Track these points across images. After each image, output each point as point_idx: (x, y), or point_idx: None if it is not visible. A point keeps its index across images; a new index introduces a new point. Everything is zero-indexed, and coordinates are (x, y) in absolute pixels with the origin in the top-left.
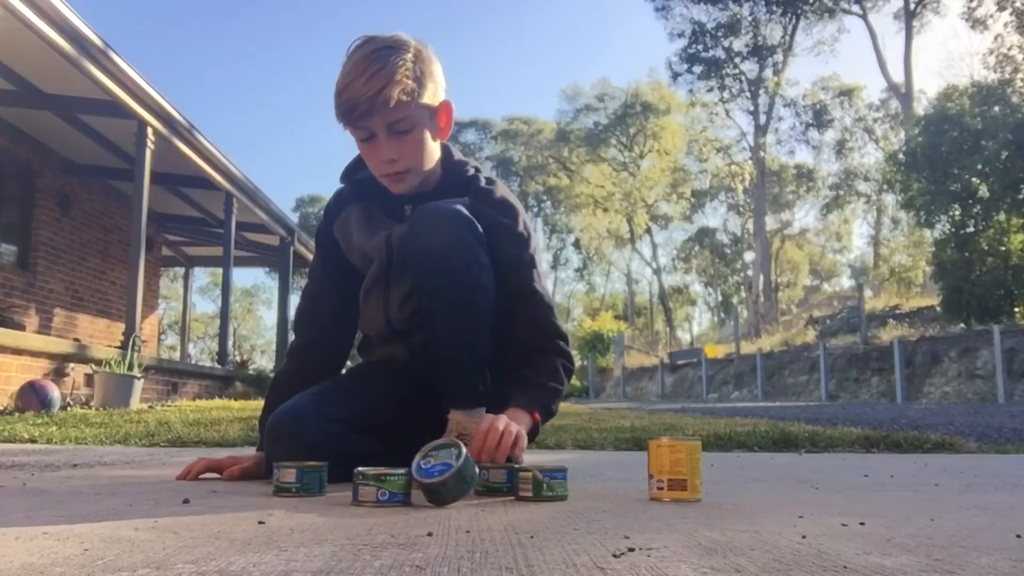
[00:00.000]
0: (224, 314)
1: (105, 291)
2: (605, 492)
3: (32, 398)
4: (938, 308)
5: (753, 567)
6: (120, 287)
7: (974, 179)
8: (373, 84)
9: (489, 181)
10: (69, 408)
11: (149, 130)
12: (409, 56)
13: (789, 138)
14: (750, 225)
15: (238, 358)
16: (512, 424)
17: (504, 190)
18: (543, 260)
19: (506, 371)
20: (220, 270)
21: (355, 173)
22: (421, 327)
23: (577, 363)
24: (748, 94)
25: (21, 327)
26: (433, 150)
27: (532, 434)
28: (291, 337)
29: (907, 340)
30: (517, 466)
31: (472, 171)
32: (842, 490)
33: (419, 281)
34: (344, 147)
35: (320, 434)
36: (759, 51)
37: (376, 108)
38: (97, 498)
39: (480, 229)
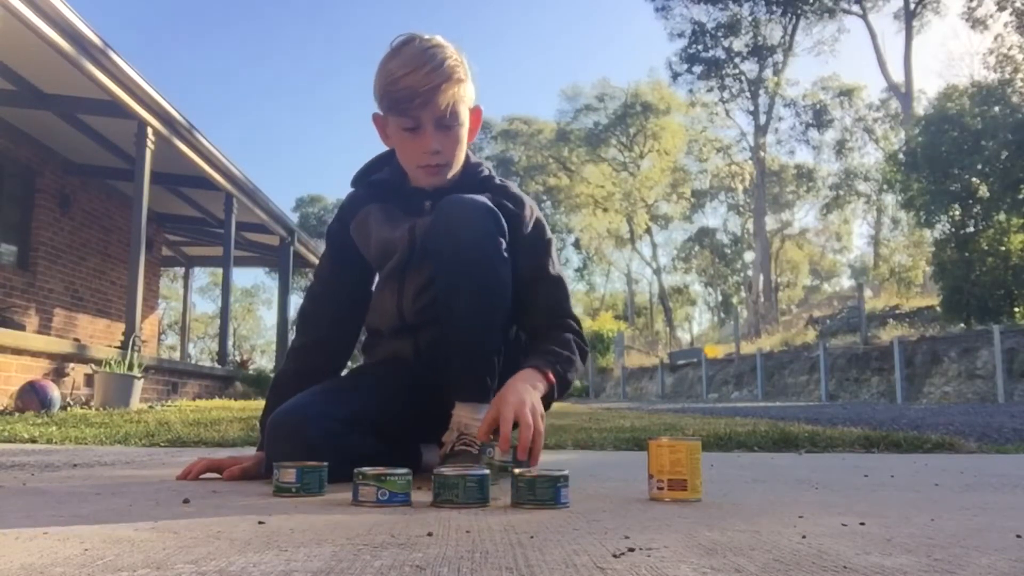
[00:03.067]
0: (224, 314)
1: (105, 291)
2: (605, 492)
3: (32, 398)
4: (938, 308)
5: (753, 567)
6: (120, 287)
7: (974, 179)
8: (434, 77)
9: (502, 181)
10: (69, 408)
11: (149, 130)
12: (458, 58)
13: (789, 138)
14: (750, 225)
15: (238, 358)
16: (535, 412)
17: (516, 188)
18: (556, 252)
19: (513, 368)
20: (220, 270)
21: (369, 176)
22: (431, 322)
23: None
24: (748, 94)
25: (21, 327)
26: (464, 149)
27: (548, 400)
28: (292, 337)
29: (907, 340)
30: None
31: (487, 172)
32: (842, 490)
33: (441, 272)
34: (346, 147)
35: (321, 433)
36: (759, 51)
37: (435, 100)
38: (97, 498)
39: (504, 222)
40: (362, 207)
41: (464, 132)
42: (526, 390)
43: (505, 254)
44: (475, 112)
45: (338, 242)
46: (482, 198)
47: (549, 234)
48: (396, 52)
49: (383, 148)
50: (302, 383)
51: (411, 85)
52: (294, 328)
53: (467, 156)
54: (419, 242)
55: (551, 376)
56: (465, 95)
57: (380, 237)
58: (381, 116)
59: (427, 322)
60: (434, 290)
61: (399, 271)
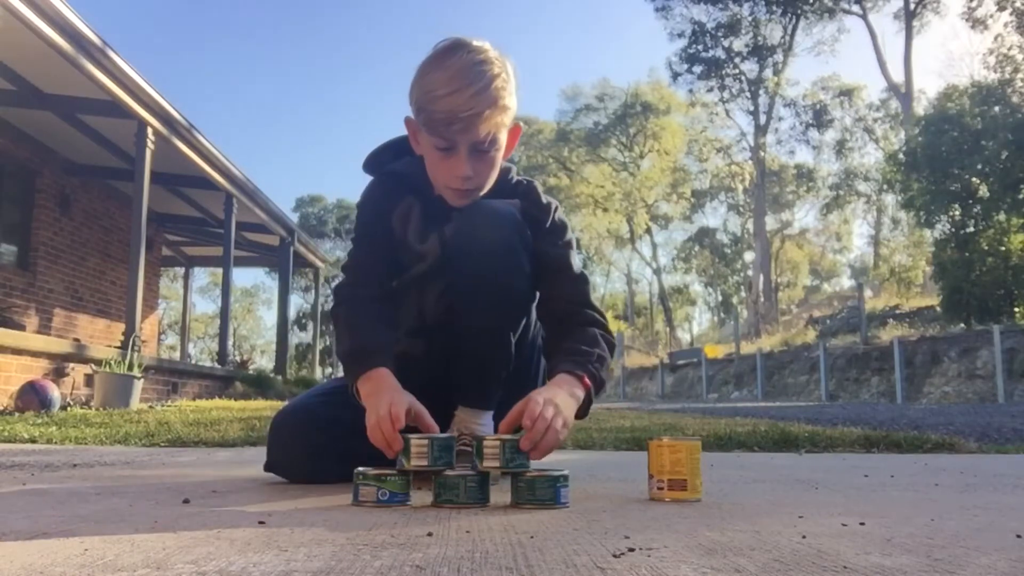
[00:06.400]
0: (224, 314)
1: (105, 291)
2: (605, 492)
3: (32, 398)
4: (938, 308)
5: (753, 567)
6: (120, 287)
7: (974, 179)
8: (478, 104)
9: (530, 183)
10: (69, 408)
11: (149, 130)
12: (505, 76)
13: (789, 138)
14: (750, 225)
15: (238, 358)
16: (558, 414)
17: (540, 189)
18: (577, 254)
19: (523, 381)
20: (220, 270)
21: (383, 164)
22: (448, 325)
23: None
24: (748, 94)
25: (21, 327)
26: (497, 170)
27: (586, 405)
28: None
29: (907, 340)
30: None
31: (514, 177)
32: (842, 490)
33: (460, 281)
34: (347, 147)
35: (324, 435)
36: (759, 51)
37: (475, 127)
38: (97, 498)
39: (528, 232)
40: (401, 198)
41: (500, 155)
42: (559, 395)
43: (525, 265)
44: (514, 131)
45: (380, 231)
46: (510, 207)
47: (570, 235)
48: (440, 63)
49: (382, 141)
50: (383, 308)
51: (452, 109)
52: (349, 277)
53: None
54: (447, 249)
55: (587, 380)
56: (508, 120)
57: (412, 243)
58: (415, 123)
59: (445, 325)
60: (452, 295)
61: (426, 276)
